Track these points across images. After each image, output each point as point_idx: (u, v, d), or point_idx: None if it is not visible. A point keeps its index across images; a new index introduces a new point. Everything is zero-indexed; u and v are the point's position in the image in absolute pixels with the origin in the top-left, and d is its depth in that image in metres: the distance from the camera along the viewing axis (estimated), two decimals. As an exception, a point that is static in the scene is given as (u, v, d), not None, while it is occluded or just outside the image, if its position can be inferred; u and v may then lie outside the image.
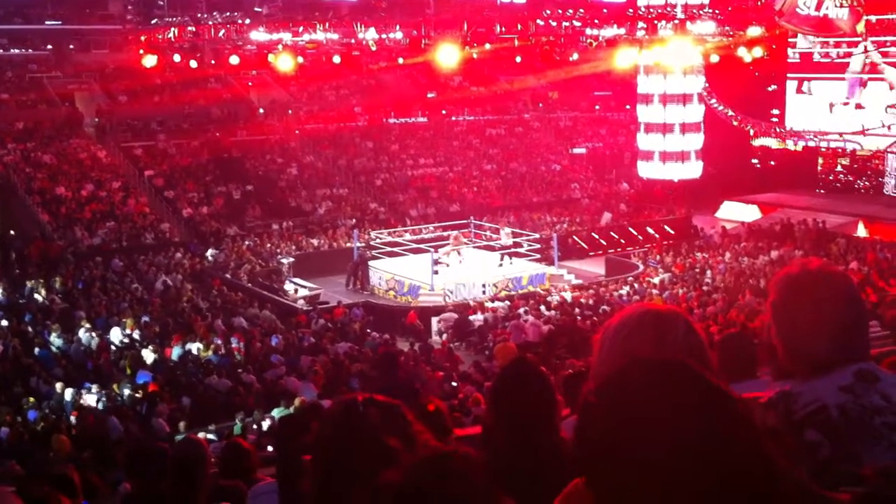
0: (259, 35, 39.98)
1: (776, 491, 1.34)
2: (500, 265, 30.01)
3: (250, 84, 45.31)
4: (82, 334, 21.30)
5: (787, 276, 2.47)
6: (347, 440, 2.16)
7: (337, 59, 40.81)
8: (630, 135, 42.56)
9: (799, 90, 41.82)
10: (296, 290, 28.35)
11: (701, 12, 36.75)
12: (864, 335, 2.47)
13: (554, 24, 39.78)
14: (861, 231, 35.40)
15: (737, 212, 40.14)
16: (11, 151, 36.53)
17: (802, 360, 2.39)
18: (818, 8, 38.23)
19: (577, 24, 39.64)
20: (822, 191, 42.67)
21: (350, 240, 32.69)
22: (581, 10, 40.94)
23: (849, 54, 40.37)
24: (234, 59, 40.22)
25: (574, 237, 34.77)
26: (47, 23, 45.62)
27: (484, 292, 28.10)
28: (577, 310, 24.49)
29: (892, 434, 2.25)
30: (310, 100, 45.98)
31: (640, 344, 2.17)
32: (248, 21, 41.48)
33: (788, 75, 42.87)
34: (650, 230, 36.13)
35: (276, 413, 15.29)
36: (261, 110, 43.50)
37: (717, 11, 37.56)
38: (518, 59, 42.99)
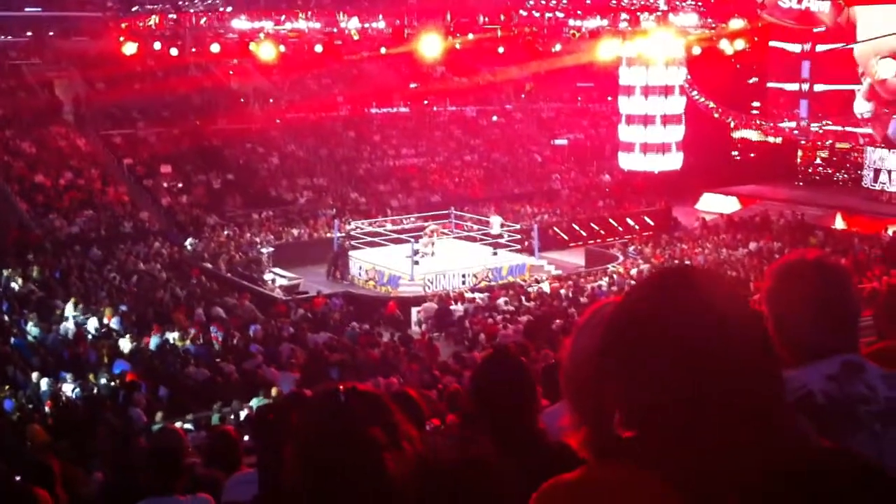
0: (241, 23, 39.82)
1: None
2: (495, 254, 30.04)
3: (231, 72, 45.03)
4: (66, 322, 21.16)
5: (784, 263, 2.51)
6: (329, 430, 2.12)
7: (319, 49, 40.67)
8: (611, 126, 42.56)
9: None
10: (275, 280, 28.26)
11: (683, 4, 36.86)
12: (855, 327, 2.49)
13: (537, 14, 39.83)
14: (839, 223, 35.63)
15: (716, 203, 40.31)
16: (-11, 139, 36.19)
17: (793, 347, 2.41)
18: (800, 1, 38.36)
19: (560, 15, 39.70)
20: (801, 183, 42.90)
21: (330, 230, 32.61)
22: (564, 2, 40.98)
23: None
24: (216, 48, 40.01)
25: (555, 228, 34.84)
26: (27, 9, 45.16)
27: (464, 283, 28.13)
28: (556, 301, 24.54)
29: (874, 423, 2.29)
30: (291, 89, 45.69)
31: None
32: (229, 9, 41.22)
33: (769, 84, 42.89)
34: (630, 221, 36.26)
35: (255, 403, 15.24)
36: (241, 100, 43.22)
37: (699, 3, 37.67)
38: (501, 50, 42.89)
